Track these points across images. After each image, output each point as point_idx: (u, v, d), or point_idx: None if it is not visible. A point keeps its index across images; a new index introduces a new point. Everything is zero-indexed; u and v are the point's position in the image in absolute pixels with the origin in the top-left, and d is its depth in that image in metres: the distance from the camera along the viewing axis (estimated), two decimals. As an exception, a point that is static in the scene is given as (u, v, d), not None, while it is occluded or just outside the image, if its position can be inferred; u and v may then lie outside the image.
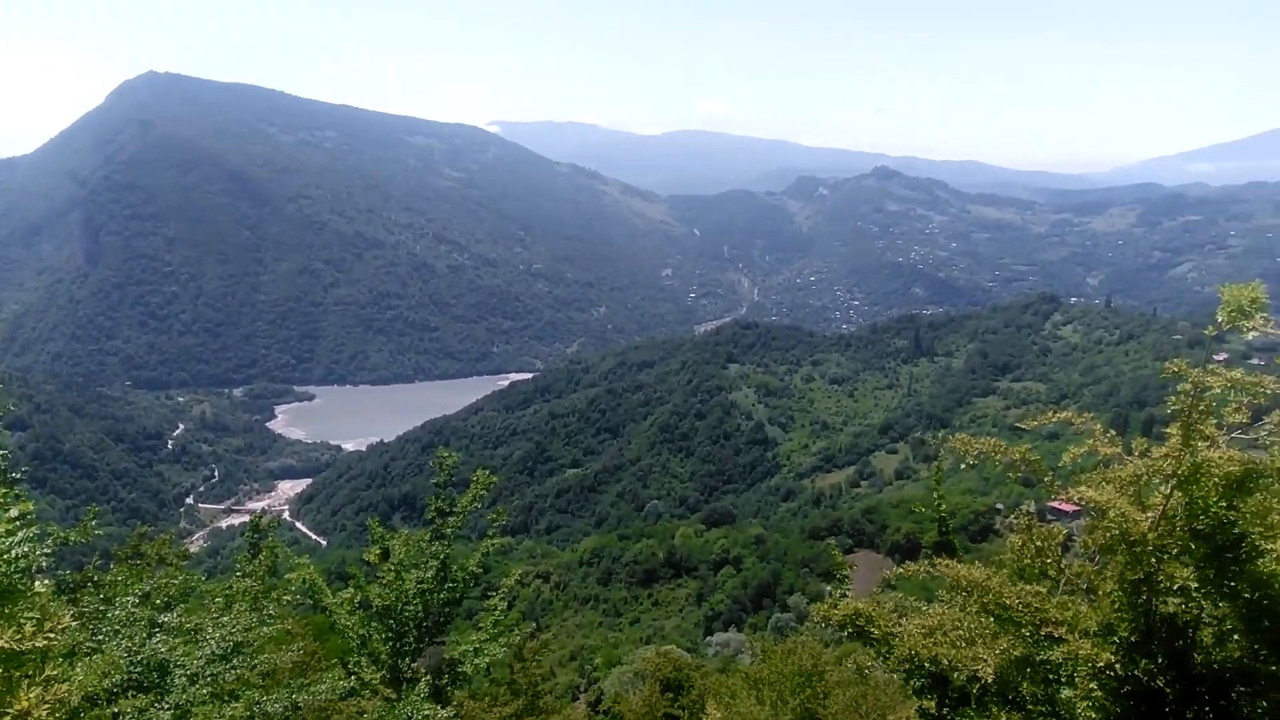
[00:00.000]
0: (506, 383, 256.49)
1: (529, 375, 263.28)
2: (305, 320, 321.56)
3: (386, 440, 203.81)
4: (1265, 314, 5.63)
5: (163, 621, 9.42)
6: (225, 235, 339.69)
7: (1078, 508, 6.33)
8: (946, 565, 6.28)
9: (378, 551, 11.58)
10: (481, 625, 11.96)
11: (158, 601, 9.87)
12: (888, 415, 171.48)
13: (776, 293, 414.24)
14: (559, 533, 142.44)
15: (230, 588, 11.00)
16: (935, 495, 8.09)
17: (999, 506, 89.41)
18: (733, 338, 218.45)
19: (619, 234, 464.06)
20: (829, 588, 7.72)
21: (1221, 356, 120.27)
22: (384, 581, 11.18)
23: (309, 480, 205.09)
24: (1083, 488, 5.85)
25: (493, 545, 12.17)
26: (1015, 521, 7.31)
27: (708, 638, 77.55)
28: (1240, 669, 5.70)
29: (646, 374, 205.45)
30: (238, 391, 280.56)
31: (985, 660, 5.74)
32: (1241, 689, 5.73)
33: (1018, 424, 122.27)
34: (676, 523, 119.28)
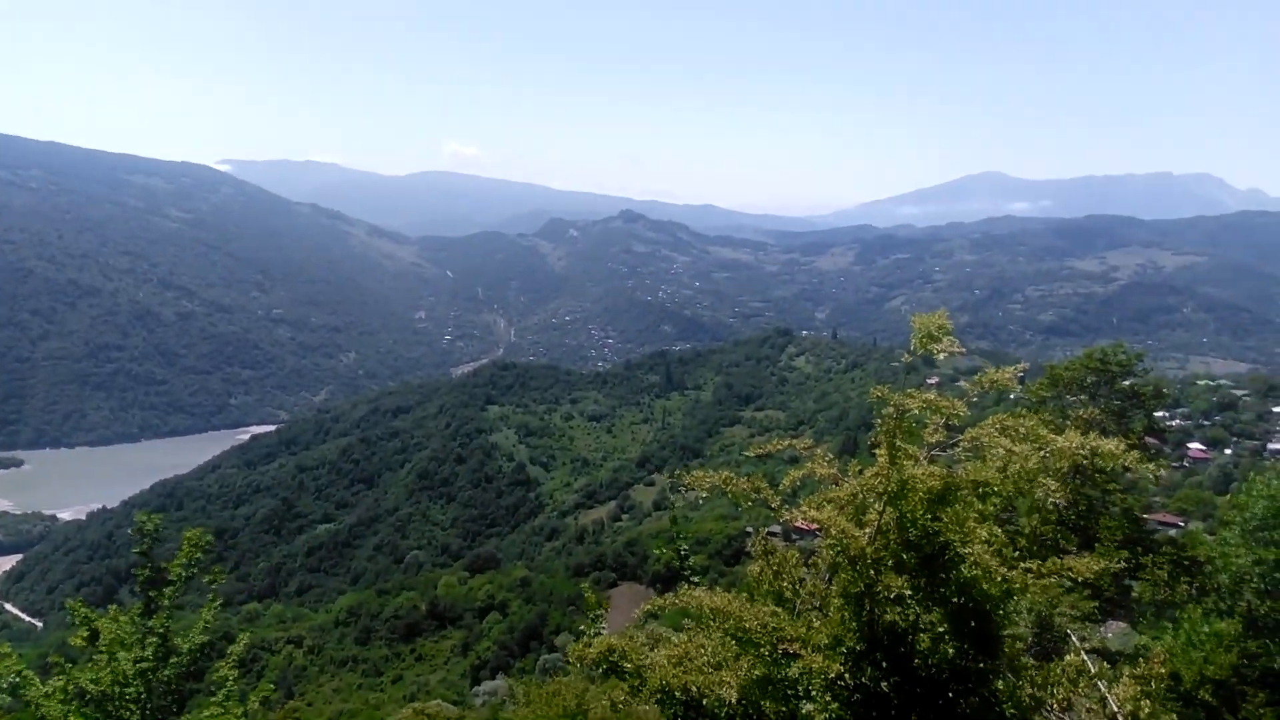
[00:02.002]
0: (247, 436, 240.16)
1: (273, 427, 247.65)
2: (9, 377, 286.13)
3: (110, 506, 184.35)
4: (951, 338, 6.31)
5: None
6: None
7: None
8: (690, 595, 6.47)
9: (85, 634, 10.37)
10: (214, 699, 10.98)
11: None
12: (644, 449, 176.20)
13: (533, 333, 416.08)
14: (311, 593, 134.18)
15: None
16: (674, 532, 8.37)
17: (749, 530, 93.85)
18: (491, 379, 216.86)
19: (367, 276, 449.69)
20: (581, 627, 7.73)
21: (934, 380, 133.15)
22: (97, 666, 10.02)
23: (19, 556, 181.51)
24: (807, 509, 6.25)
25: (214, 611, 11.20)
26: (754, 546, 7.66)
27: (475, 688, 75.56)
28: (954, 669, 6.25)
29: (402, 419, 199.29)
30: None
31: (728, 683, 5.97)
32: (956, 687, 6.28)
33: (745, 452, 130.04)
34: (439, 572, 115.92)
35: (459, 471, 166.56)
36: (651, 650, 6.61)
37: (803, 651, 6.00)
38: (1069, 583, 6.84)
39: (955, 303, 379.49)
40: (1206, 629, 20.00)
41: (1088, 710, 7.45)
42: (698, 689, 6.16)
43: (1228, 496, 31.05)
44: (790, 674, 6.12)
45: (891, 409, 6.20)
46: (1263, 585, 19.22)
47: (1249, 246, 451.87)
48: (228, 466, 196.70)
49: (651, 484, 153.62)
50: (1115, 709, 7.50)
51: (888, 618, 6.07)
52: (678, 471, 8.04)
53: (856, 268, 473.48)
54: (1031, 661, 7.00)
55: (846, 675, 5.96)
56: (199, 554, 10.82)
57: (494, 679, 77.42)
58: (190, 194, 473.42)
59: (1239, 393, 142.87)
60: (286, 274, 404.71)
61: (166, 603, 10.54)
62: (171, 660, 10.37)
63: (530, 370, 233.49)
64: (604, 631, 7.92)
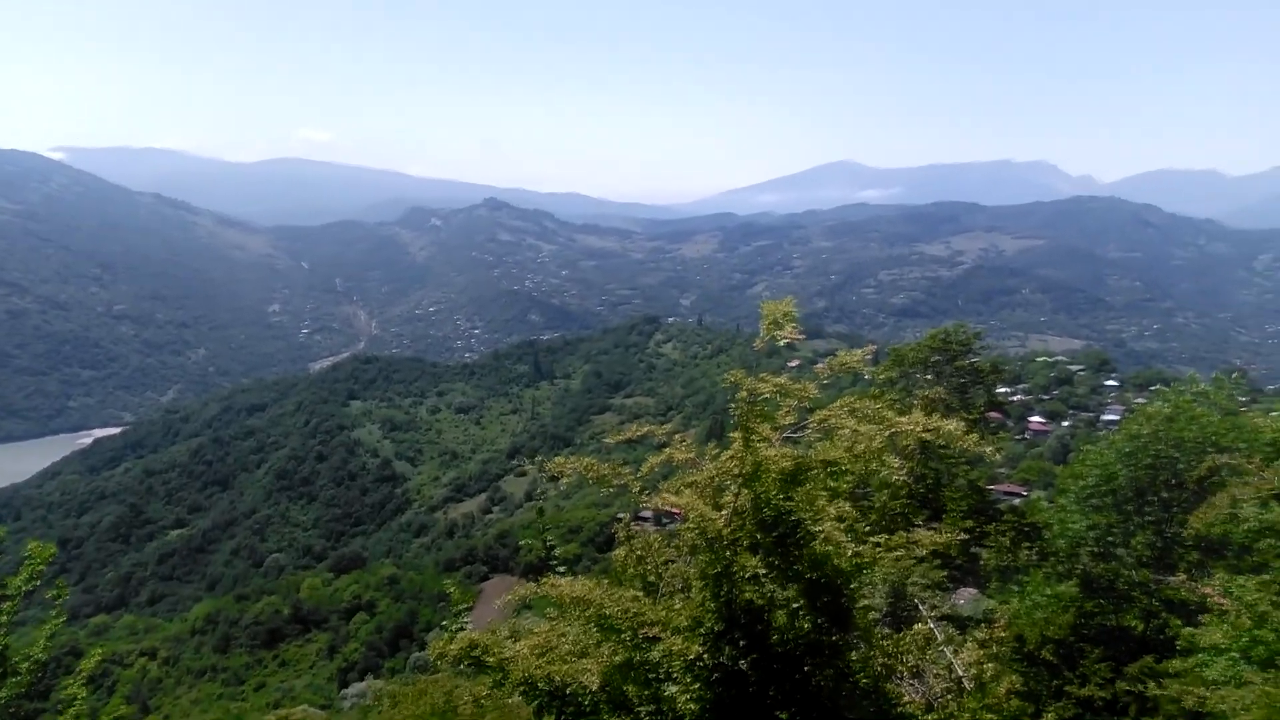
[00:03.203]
0: (90, 440, 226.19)
1: (117, 430, 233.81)
2: None
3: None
4: (794, 324, 6.52)
5: None
6: None
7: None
8: (552, 584, 6.46)
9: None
10: (62, 717, 10.30)
11: None
12: (514, 439, 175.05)
13: (396, 324, 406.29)
14: (165, 602, 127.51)
15: None
16: (540, 524, 8.36)
17: (619, 517, 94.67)
18: (352, 373, 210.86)
19: (216, 269, 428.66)
20: (443, 623, 7.61)
21: (795, 363, 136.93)
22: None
23: None
24: (666, 494, 6.33)
25: (57, 626, 10.48)
26: (618, 532, 7.70)
27: (343, 690, 73.79)
28: (809, 643, 6.44)
29: (258, 418, 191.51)
30: None
31: (591, 670, 5.99)
32: (811, 661, 6.48)
33: (604, 439, 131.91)
34: (302, 574, 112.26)
35: (320, 470, 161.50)
36: (514, 642, 6.56)
37: (663, 635, 6.08)
38: (919, 553, 7.16)
39: (813, 288, 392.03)
40: (1047, 591, 21.33)
41: (935, 675, 7.84)
42: (561, 678, 6.16)
43: (1065, 466, 33.17)
44: (652, 658, 6.19)
45: (745, 394, 6.34)
46: (1097, 549, 20.60)
47: (1081, 230, 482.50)
48: (69, 473, 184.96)
49: (523, 475, 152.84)
50: (960, 673, 7.92)
51: (745, 596, 6.20)
52: (539, 459, 8.01)
53: (720, 255, 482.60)
54: (884, 631, 7.31)
55: (706, 656, 6.07)
56: (41, 567, 10.07)
57: (362, 681, 75.79)
58: (18, 184, 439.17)
59: (1074, 368, 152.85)
60: (128, 267, 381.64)
61: (4, 619, 9.80)
62: (10, 680, 9.67)
63: (394, 363, 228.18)
64: (468, 627, 7.82)
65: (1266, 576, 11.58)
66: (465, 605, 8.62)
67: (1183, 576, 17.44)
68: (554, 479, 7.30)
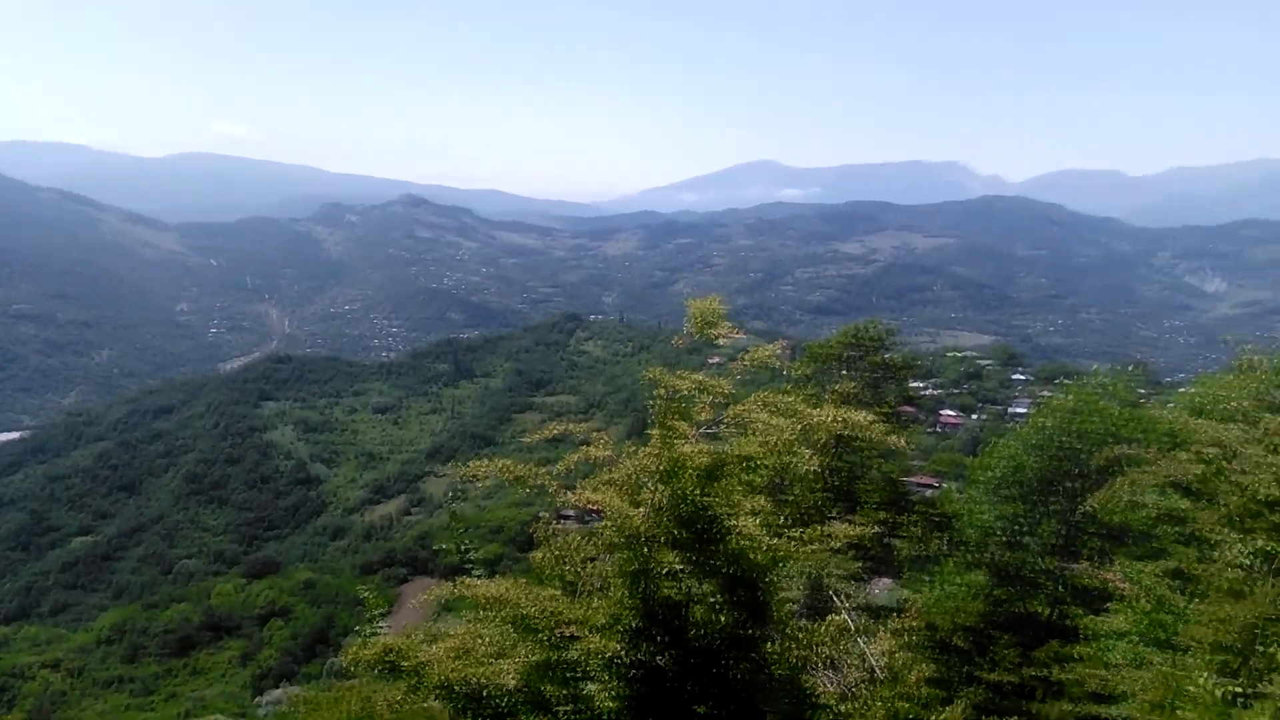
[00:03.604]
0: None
1: (16, 434, 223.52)
2: None
3: None
4: (726, 322, 6.57)
5: None
6: None
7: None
8: (468, 585, 6.39)
9: None
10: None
11: None
12: (435, 439, 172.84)
13: (311, 323, 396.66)
14: (69, 612, 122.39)
15: None
16: (453, 525, 8.28)
17: (539, 516, 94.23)
18: (265, 373, 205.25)
19: (123, 267, 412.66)
20: (357, 628, 7.47)
21: (716, 359, 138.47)
22: None
23: None
24: (584, 491, 6.32)
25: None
26: (537, 531, 7.65)
27: (258, 698, 72.17)
28: (727, 637, 6.51)
29: (166, 420, 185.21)
30: None
31: (508, 671, 5.94)
32: (729, 655, 6.54)
33: (521, 437, 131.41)
34: (214, 580, 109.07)
35: (232, 473, 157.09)
36: (431, 645, 6.48)
37: (582, 633, 6.06)
38: (835, 545, 7.27)
39: (734, 285, 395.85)
40: (958, 580, 21.96)
41: (850, 665, 7.99)
42: (478, 680, 6.09)
43: (975, 458, 34.15)
44: (570, 656, 6.17)
45: (663, 391, 6.36)
46: (1005, 537, 21.28)
47: (991, 228, 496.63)
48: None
49: (444, 475, 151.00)
50: (874, 662, 8.08)
51: (664, 593, 6.23)
52: (453, 463, 7.90)
53: (641, 252, 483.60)
54: (802, 623, 7.41)
55: (624, 653, 6.08)
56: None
57: (278, 688, 74.19)
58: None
59: (984, 363, 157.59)
60: (28, 265, 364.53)
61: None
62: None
63: (309, 363, 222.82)
64: (383, 631, 7.69)
65: (1165, 561, 12.06)
66: (380, 610, 8.48)
67: (1086, 564, 18.12)
68: (475, 480, 7.23)
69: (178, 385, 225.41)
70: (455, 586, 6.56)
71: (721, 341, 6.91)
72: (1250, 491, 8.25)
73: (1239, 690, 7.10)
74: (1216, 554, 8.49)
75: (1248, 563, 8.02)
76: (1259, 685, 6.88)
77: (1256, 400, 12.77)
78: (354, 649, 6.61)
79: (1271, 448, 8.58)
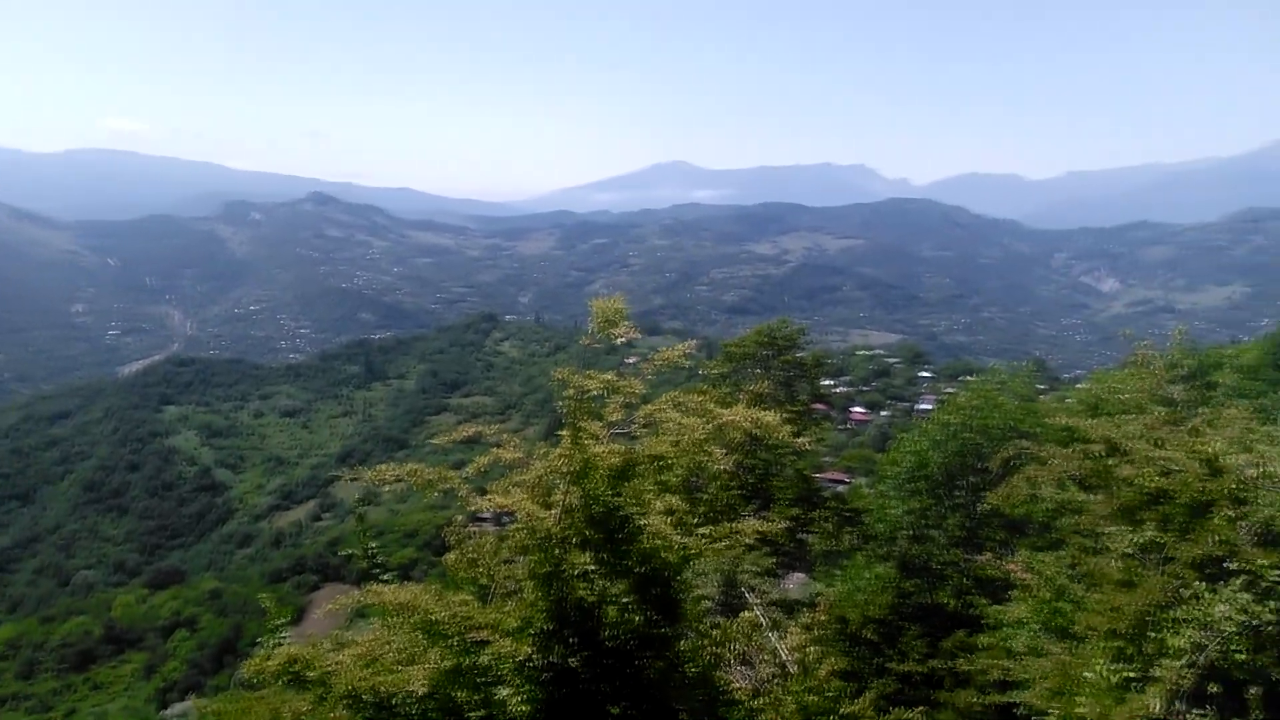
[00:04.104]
0: None
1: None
2: None
3: None
4: (627, 322, 6.55)
5: None
6: None
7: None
8: (375, 591, 6.26)
9: None
10: None
11: None
12: (346, 443, 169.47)
13: (215, 325, 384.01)
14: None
15: None
16: (360, 529, 8.12)
17: (454, 519, 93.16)
18: (166, 377, 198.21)
19: (12, 266, 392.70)
20: (258, 639, 7.25)
21: (632, 359, 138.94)
22: None
23: None
24: (494, 495, 6.24)
25: None
26: (448, 535, 7.55)
27: (163, 711, 69.85)
28: (640, 636, 6.51)
29: (62, 426, 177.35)
30: None
31: (417, 677, 5.83)
32: (642, 654, 6.55)
33: (430, 439, 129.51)
34: (114, 591, 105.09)
35: (133, 480, 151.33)
36: (338, 654, 6.32)
37: (493, 637, 5.99)
38: (746, 542, 7.36)
39: (650, 285, 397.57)
40: (868, 574, 22.42)
41: (763, 661, 8.09)
42: (387, 688, 5.97)
43: (884, 454, 34.97)
44: (481, 661, 6.09)
45: (573, 391, 6.33)
46: (913, 531, 21.80)
47: (897, 230, 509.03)
48: None
49: (356, 479, 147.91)
50: (786, 657, 8.20)
51: (576, 594, 6.19)
52: (355, 467, 7.72)
53: (558, 252, 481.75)
54: (715, 620, 7.47)
55: (536, 656, 6.03)
56: None
57: (185, 700, 71.86)
58: None
59: (892, 361, 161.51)
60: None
61: None
62: None
63: (213, 365, 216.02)
64: (288, 640, 7.48)
65: (1063, 552, 12.51)
66: (284, 618, 8.25)
67: (989, 555, 18.69)
68: (390, 483, 7.09)
69: (74, 390, 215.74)
70: (363, 594, 6.42)
71: (620, 341, 6.89)
72: (1138, 485, 8.61)
73: (1132, 675, 7.40)
74: (1109, 545, 8.84)
75: (1135, 554, 8.37)
76: (1150, 670, 7.18)
77: (1149, 394, 13.38)
78: (257, 660, 6.41)
79: (1155, 442, 8.98)
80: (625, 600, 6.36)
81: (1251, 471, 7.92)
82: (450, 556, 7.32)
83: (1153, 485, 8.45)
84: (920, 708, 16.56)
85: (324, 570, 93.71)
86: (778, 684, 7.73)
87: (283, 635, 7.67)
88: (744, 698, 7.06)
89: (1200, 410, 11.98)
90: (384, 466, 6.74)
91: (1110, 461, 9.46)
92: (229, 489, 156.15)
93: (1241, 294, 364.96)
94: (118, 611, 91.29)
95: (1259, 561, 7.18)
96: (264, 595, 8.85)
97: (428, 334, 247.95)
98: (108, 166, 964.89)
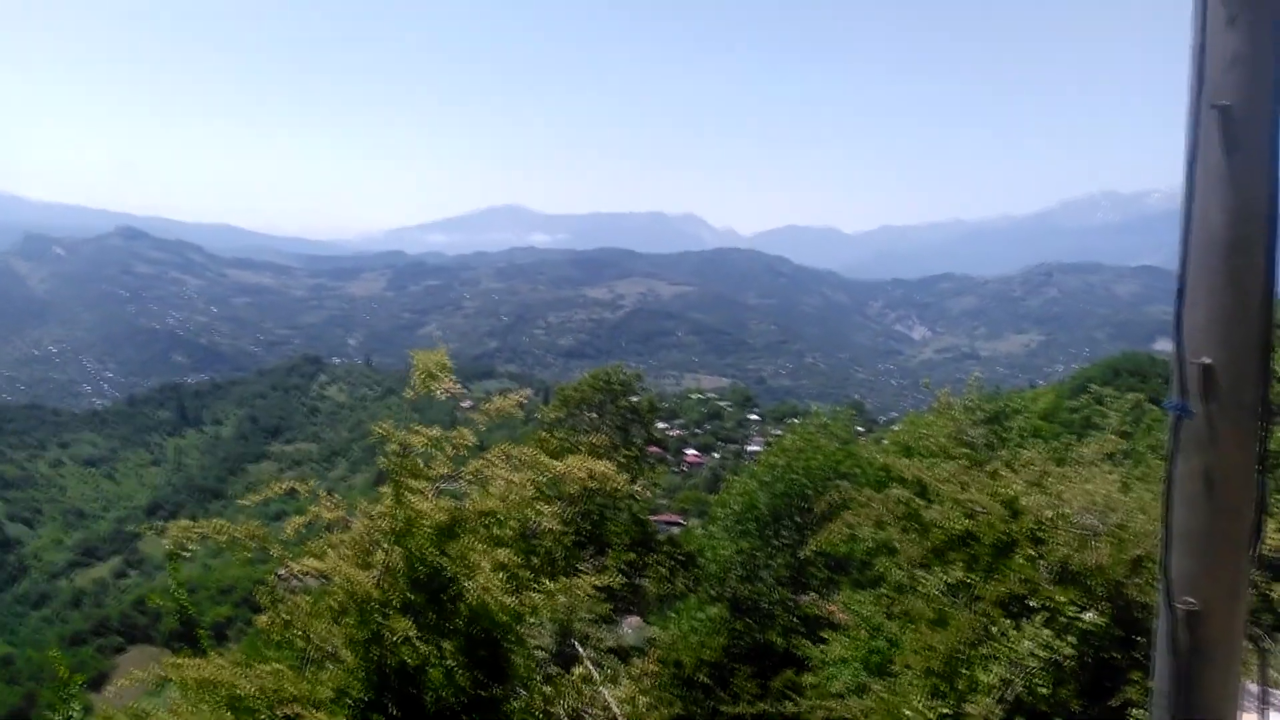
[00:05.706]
0: None
1: None
2: None
3: None
4: (450, 376, 6.40)
5: None
6: None
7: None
8: (173, 665, 5.77)
9: None
10: None
11: None
12: (155, 494, 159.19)
13: (9, 368, 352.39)
14: None
15: None
16: (174, 591, 7.55)
17: (277, 574, 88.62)
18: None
19: None
20: (46, 712, 6.59)
21: (468, 404, 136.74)
22: None
23: None
24: (308, 558, 5.91)
25: None
26: (260, 595, 7.11)
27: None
28: (468, 699, 6.28)
29: None
30: None
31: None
32: (471, 717, 6.31)
33: (239, 500, 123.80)
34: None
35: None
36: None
37: (305, 711, 5.62)
38: (581, 594, 7.26)
39: (484, 328, 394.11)
40: (701, 615, 22.66)
41: (593, 715, 7.97)
42: (187, 773, 5.51)
43: (716, 495, 35.64)
44: (288, 738, 5.71)
45: (396, 446, 6.11)
46: (743, 571, 22.22)
47: (726, 278, 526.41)
48: None
49: (164, 532, 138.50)
50: (616, 711, 8.11)
51: (397, 659, 5.92)
52: (160, 522, 7.18)
53: (389, 293, 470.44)
54: (549, 672, 7.31)
55: (353, 728, 5.72)
56: None
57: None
58: None
59: (722, 404, 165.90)
60: None
61: None
62: None
63: (5, 411, 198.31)
64: (76, 713, 6.82)
65: (880, 590, 13.01)
66: (75, 686, 7.52)
67: (814, 594, 19.28)
68: (204, 538, 6.63)
69: None
70: (161, 668, 5.91)
71: (443, 396, 6.73)
72: (946, 527, 9.09)
73: (947, 711, 7.73)
74: (919, 585, 9.27)
75: (945, 593, 8.81)
76: (963, 706, 7.52)
77: (953, 438, 14.20)
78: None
79: (961, 485, 9.53)
80: (450, 663, 6.13)
81: (1048, 512, 8.49)
82: (264, 618, 6.87)
83: (959, 528, 8.94)
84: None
85: (130, 632, 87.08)
86: (609, 739, 7.62)
87: (75, 706, 6.98)
88: (575, 756, 6.92)
89: (999, 453, 12.82)
90: (185, 523, 6.28)
91: (919, 503, 9.97)
92: (22, 545, 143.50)
93: (1038, 341, 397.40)
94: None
95: (1058, 598, 7.67)
96: (55, 654, 8.04)
97: (247, 377, 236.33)
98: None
